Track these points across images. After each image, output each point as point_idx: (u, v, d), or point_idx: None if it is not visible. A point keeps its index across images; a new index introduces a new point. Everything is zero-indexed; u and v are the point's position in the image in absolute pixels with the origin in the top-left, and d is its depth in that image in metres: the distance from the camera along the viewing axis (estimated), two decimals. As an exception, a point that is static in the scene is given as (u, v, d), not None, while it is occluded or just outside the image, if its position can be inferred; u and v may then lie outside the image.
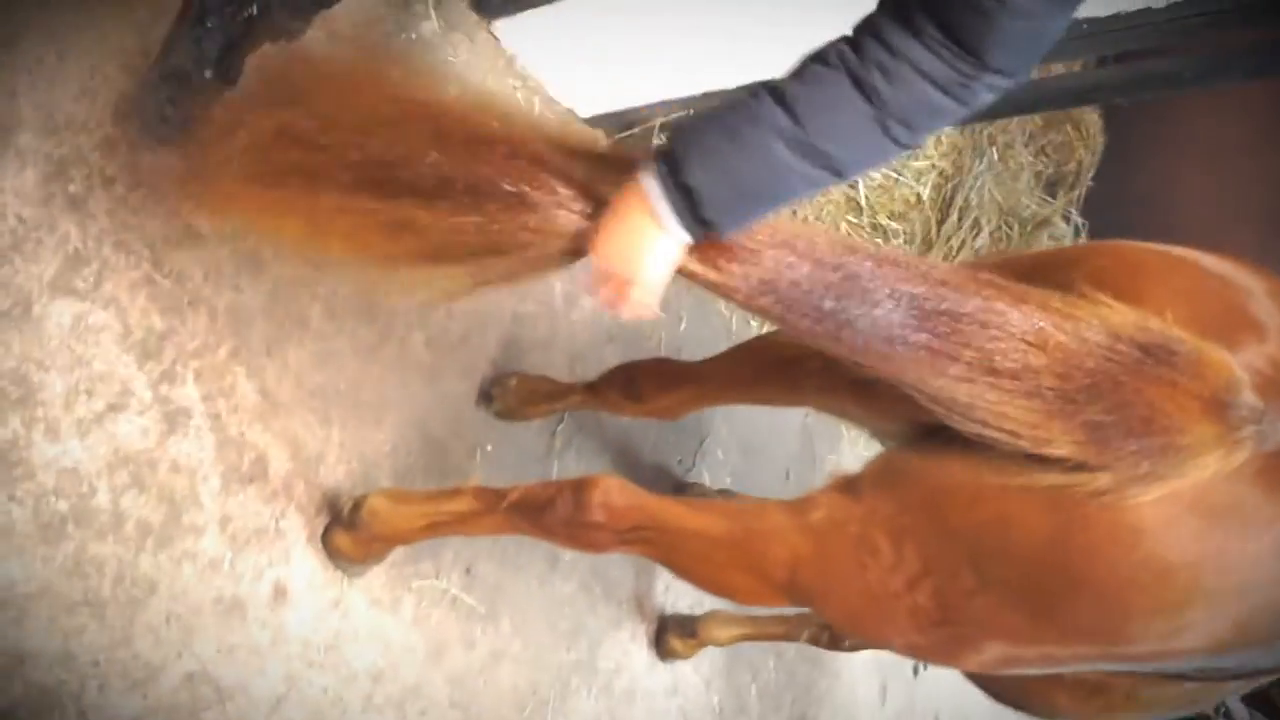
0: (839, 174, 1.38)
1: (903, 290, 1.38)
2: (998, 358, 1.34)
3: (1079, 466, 1.36)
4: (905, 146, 1.36)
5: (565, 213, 1.46)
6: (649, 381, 2.24)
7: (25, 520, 1.73)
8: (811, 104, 1.32)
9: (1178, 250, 1.61)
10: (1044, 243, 4.20)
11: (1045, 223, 4.23)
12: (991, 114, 2.81)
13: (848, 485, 1.70)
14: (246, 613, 2.03)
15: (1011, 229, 4.12)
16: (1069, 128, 4.60)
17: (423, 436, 2.39)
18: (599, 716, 2.83)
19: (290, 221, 1.59)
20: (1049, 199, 4.38)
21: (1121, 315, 1.38)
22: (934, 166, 3.87)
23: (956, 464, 1.50)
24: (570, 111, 2.86)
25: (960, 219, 3.93)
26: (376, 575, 2.25)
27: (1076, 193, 4.52)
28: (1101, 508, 1.37)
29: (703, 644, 3.00)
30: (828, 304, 1.38)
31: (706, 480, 3.21)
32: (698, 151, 1.35)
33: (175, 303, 1.94)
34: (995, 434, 1.38)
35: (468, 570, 2.46)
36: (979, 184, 3.92)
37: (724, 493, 3.12)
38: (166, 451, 1.92)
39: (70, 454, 1.79)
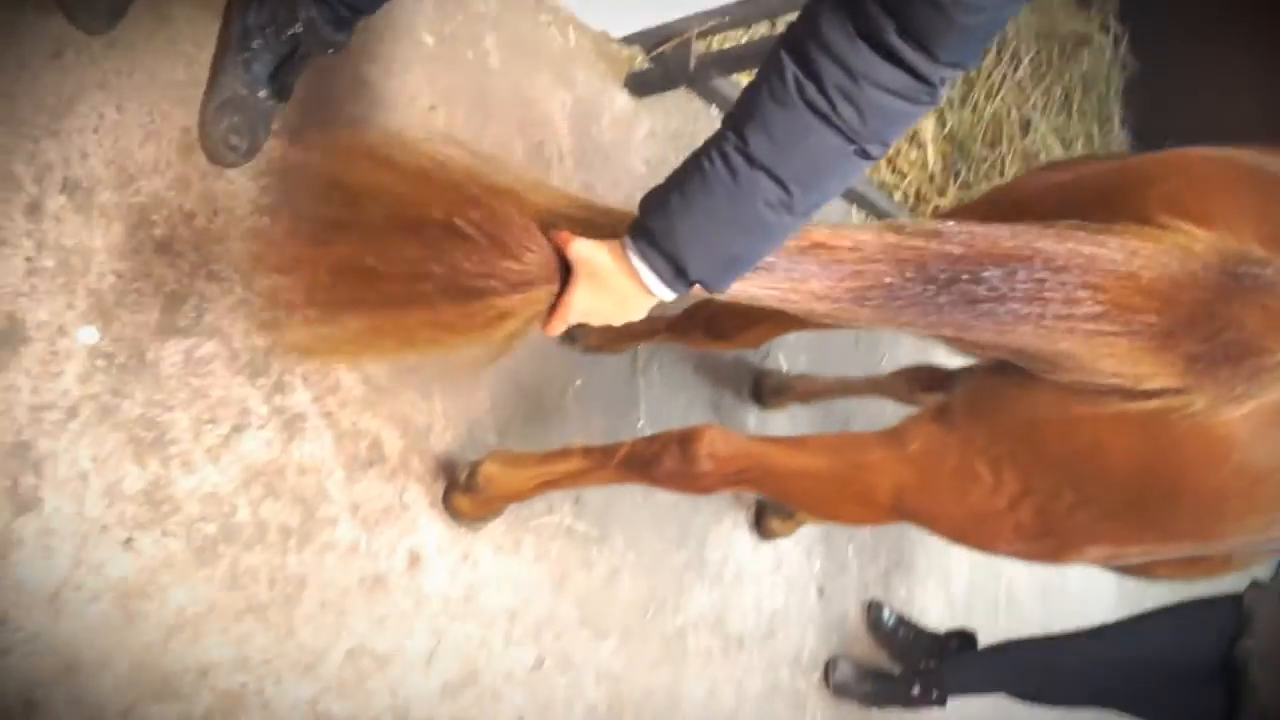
0: (819, 206, 1.33)
1: (992, 264, 1.41)
2: (1097, 306, 1.38)
3: (1173, 393, 1.43)
4: (881, 155, 1.32)
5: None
6: (729, 319, 2.31)
7: (181, 550, 1.87)
8: (790, 162, 1.25)
9: (1245, 158, 1.60)
10: (1085, 60, 4.14)
11: (1084, 39, 4.17)
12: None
13: (940, 414, 1.77)
14: (388, 584, 2.18)
15: (1051, 52, 4.07)
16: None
17: (517, 387, 2.50)
18: (714, 604, 3.00)
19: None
20: (1085, 12, 4.30)
21: (1204, 243, 1.40)
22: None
23: (1048, 394, 1.56)
24: (604, 34, 2.87)
25: (999, 53, 3.89)
26: (496, 525, 2.39)
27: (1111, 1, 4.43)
28: (1193, 425, 1.44)
29: (800, 521, 3.14)
30: (916, 296, 1.42)
31: (782, 364, 3.31)
32: (684, 233, 1.31)
33: (272, 318, 2.03)
34: (1097, 379, 1.44)
35: (577, 500, 2.60)
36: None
37: (802, 377, 3.21)
38: (291, 457, 2.04)
39: (208, 480, 1.92)
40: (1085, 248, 1.41)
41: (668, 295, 1.36)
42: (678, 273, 1.33)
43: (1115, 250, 1.40)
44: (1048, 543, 1.70)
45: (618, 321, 1.43)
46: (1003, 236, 1.42)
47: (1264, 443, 1.45)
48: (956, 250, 1.42)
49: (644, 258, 1.33)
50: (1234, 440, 1.44)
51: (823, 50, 1.20)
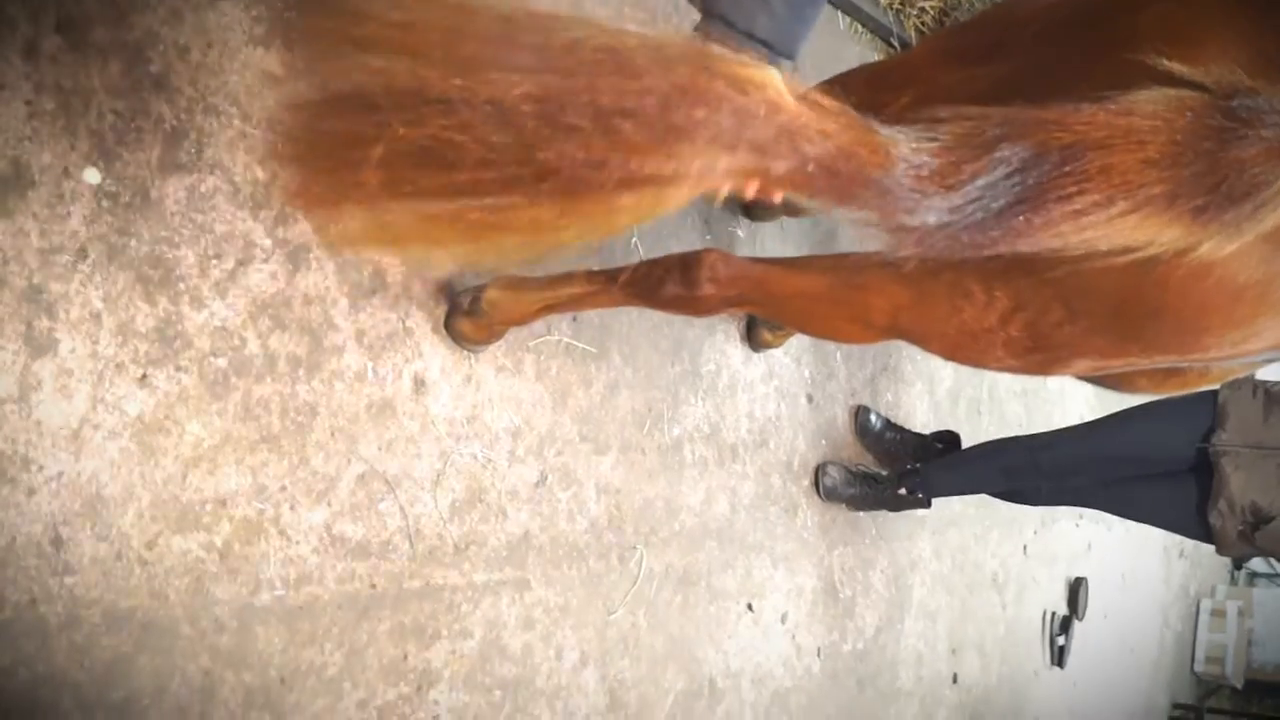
0: None
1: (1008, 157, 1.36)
2: (1107, 189, 1.35)
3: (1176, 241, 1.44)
4: None
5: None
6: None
7: (195, 384, 1.90)
8: None
9: None
10: None
11: None
12: None
13: None
14: (395, 409, 2.23)
15: None
16: None
17: (513, 210, 2.50)
18: (708, 414, 3.07)
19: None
20: None
21: (1197, 86, 1.38)
22: None
23: None
24: None
25: None
26: (497, 346, 2.42)
27: None
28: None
29: (790, 332, 3.18)
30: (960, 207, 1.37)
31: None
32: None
33: (270, 149, 2.02)
34: (1103, 248, 1.45)
35: (574, 319, 2.63)
36: None
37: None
38: (296, 288, 2.06)
39: (217, 315, 1.94)
40: (1089, 128, 1.37)
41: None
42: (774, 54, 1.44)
43: (1116, 126, 1.37)
44: (1036, 357, 1.75)
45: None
46: (1001, 124, 1.38)
47: (1243, 259, 1.47)
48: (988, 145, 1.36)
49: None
50: (1214, 257, 1.46)
51: None
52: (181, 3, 1.89)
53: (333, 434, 2.11)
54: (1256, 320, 1.56)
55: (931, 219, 1.37)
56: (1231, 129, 1.38)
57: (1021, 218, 1.36)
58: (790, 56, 1.45)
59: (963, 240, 1.38)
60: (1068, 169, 1.34)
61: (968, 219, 1.36)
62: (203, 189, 1.92)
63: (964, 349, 1.85)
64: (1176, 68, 1.41)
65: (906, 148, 1.35)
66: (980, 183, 1.35)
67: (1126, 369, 1.92)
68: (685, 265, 1.99)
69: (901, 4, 3.99)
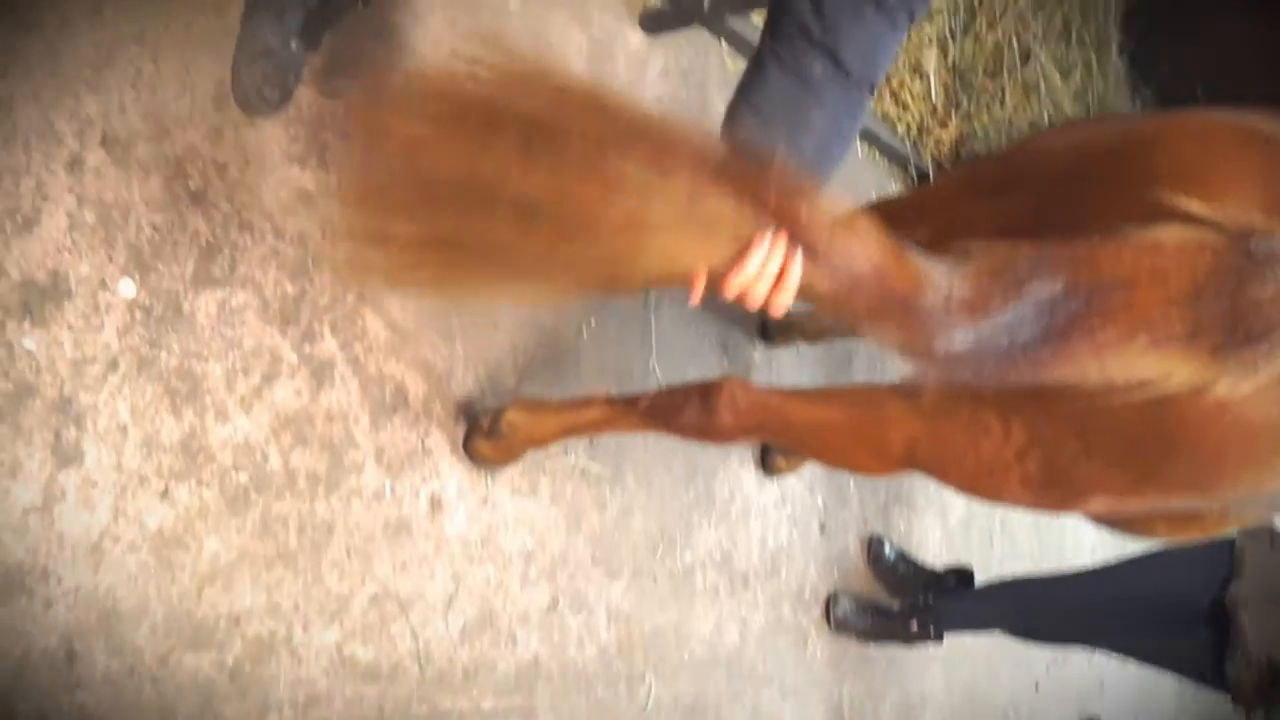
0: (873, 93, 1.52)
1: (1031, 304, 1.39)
2: (1127, 325, 1.38)
3: (1194, 378, 1.45)
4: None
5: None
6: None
7: (215, 499, 1.90)
8: (877, 63, 1.45)
9: (1254, 122, 1.59)
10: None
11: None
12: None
13: None
14: (411, 529, 2.22)
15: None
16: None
17: (535, 328, 2.52)
18: (720, 540, 3.05)
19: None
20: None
21: (1214, 227, 1.40)
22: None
23: None
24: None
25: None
26: (513, 467, 2.42)
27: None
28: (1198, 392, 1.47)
29: (804, 458, 3.18)
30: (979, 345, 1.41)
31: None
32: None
33: (301, 265, 2.05)
34: (1121, 384, 1.47)
35: (590, 442, 2.63)
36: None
37: (809, 315, 3.23)
38: (319, 404, 2.07)
39: (240, 430, 1.95)
40: (1114, 264, 1.40)
41: None
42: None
43: (1140, 263, 1.40)
44: (1052, 494, 1.74)
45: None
46: (1030, 258, 1.41)
47: (1262, 398, 1.47)
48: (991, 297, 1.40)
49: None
50: (1229, 398, 1.47)
51: None
52: (222, 120, 1.94)
53: (348, 553, 2.10)
54: (1274, 459, 1.56)
55: (957, 346, 1.39)
56: (1249, 269, 1.40)
57: (1045, 348, 1.38)
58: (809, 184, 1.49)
59: (986, 369, 1.40)
60: (1092, 304, 1.36)
61: (993, 348, 1.38)
62: (233, 303, 1.94)
63: (981, 483, 1.84)
64: (1194, 206, 1.43)
65: (938, 274, 1.38)
66: (1008, 314, 1.38)
67: (1144, 510, 1.91)
68: (704, 394, 2.00)
69: (919, 132, 4.07)
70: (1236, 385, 1.45)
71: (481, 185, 1.41)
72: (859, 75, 1.40)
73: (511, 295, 1.53)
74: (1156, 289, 1.39)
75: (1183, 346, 1.40)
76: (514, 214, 1.40)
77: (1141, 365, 1.42)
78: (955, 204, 1.98)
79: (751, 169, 1.40)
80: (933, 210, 2.01)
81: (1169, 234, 1.43)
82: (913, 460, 1.88)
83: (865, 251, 1.39)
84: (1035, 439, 1.69)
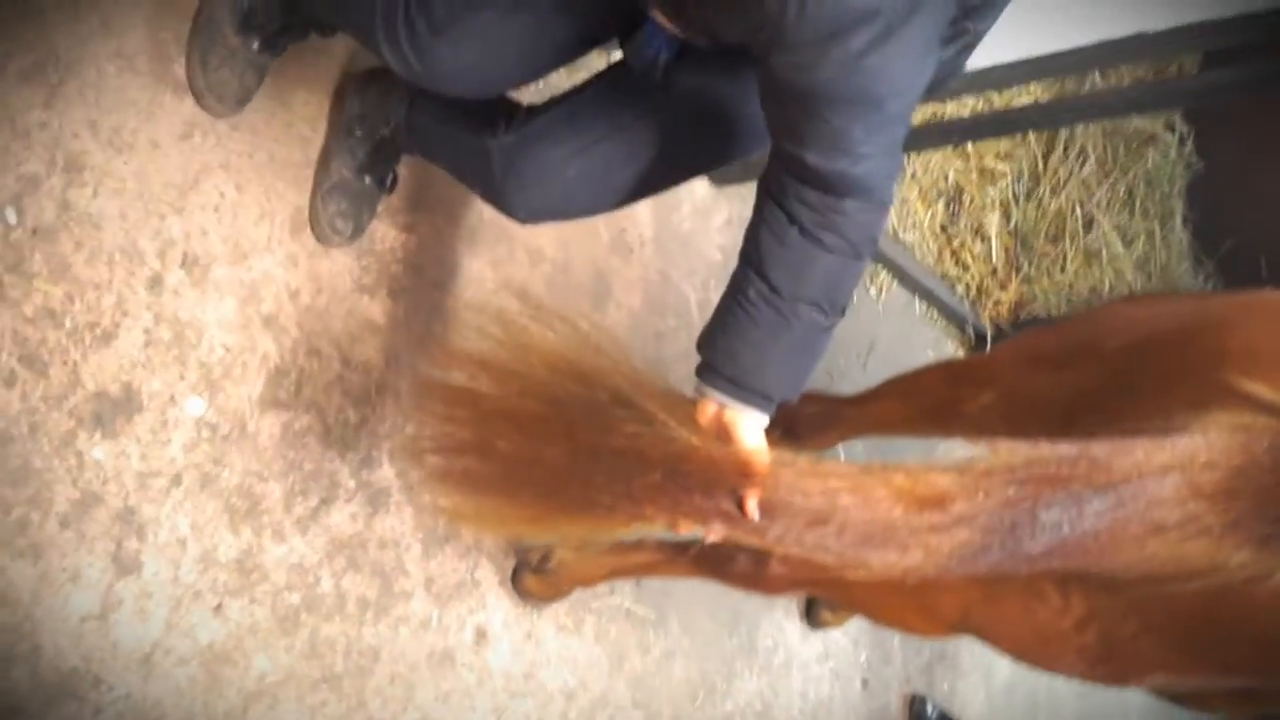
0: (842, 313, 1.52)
1: (1055, 503, 1.36)
2: (1161, 516, 1.35)
3: (1248, 566, 1.43)
4: (872, 253, 1.51)
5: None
6: (806, 426, 2.35)
7: (266, 618, 1.92)
8: (811, 286, 1.46)
9: None
10: (1149, 158, 4.20)
11: (1150, 138, 4.23)
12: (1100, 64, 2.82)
13: None
14: (455, 659, 2.22)
15: (1117, 149, 4.14)
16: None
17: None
18: (762, 692, 3.02)
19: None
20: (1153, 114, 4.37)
21: (1267, 415, 1.38)
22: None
23: None
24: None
25: (1065, 150, 3.95)
26: (559, 605, 2.43)
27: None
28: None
29: (850, 612, 3.16)
30: (999, 554, 1.38)
31: (840, 453, 3.34)
32: (769, 369, 1.49)
33: (365, 393, 2.10)
34: (1170, 573, 1.46)
35: (637, 583, 2.63)
36: (1083, 112, 3.93)
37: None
38: (374, 531, 2.10)
39: (295, 551, 1.97)
40: (1145, 457, 1.36)
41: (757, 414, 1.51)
42: (766, 400, 1.50)
43: (1173, 454, 1.36)
44: (1108, 668, 1.71)
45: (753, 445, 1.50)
46: (1070, 462, 1.41)
47: None
48: (1030, 491, 1.36)
49: (740, 400, 1.49)
50: None
51: (787, 197, 1.43)
52: (299, 249, 2.01)
53: (392, 680, 2.10)
54: None
55: (969, 550, 1.38)
56: None
57: (1069, 547, 1.37)
58: (789, 399, 1.52)
59: (1007, 564, 1.39)
60: (1129, 500, 1.34)
61: (1012, 548, 1.37)
62: (297, 426, 1.99)
63: (1036, 651, 1.81)
64: (1257, 388, 1.41)
65: (943, 483, 1.37)
66: (1041, 518, 1.37)
67: (1201, 689, 1.87)
68: (756, 545, 2.00)
69: (978, 294, 4.11)
70: None
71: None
72: (791, 295, 1.45)
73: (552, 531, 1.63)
74: (1193, 486, 1.35)
75: (1222, 538, 1.36)
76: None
77: (1184, 557, 1.40)
78: (1014, 375, 1.99)
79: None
80: (991, 380, 2.02)
81: (1220, 423, 1.40)
82: (965, 624, 1.86)
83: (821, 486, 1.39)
84: (1094, 612, 1.65)
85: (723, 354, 1.50)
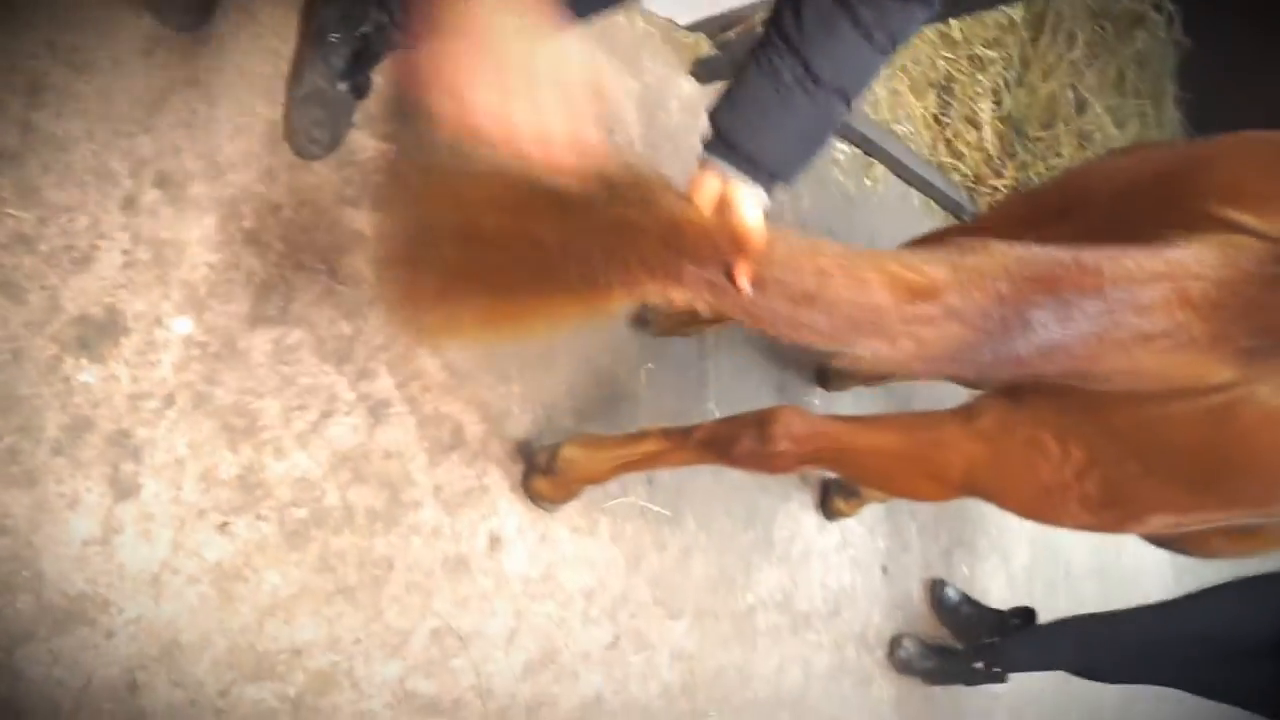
0: (850, 104, 1.51)
1: (1045, 303, 1.36)
2: (1150, 324, 1.36)
3: (1232, 385, 1.42)
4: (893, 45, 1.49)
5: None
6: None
7: (274, 534, 1.91)
8: (846, 75, 1.45)
9: None
10: (1139, 40, 4.14)
11: (1139, 19, 4.16)
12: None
13: (1009, 392, 1.78)
14: (470, 565, 2.22)
15: (1105, 30, 4.07)
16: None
17: (592, 370, 2.53)
18: (781, 582, 3.02)
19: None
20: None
21: (1251, 235, 1.40)
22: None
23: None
24: (670, 22, 2.89)
25: (1054, 33, 3.88)
26: (572, 506, 2.42)
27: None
28: (1256, 404, 1.45)
29: (864, 501, 3.16)
30: (989, 353, 1.37)
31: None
32: (777, 149, 1.47)
33: (356, 305, 2.07)
34: (1149, 387, 1.45)
35: (650, 481, 2.63)
36: (1068, -7, 3.87)
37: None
38: (376, 442, 2.08)
39: (298, 466, 1.96)
40: (1136, 264, 1.38)
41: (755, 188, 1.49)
42: (771, 179, 1.49)
43: (1162, 264, 1.38)
44: (1112, 513, 1.71)
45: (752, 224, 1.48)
46: (1062, 264, 1.40)
47: None
48: (1022, 289, 1.37)
49: (750, 176, 1.47)
50: None
51: None
52: (277, 163, 1.98)
53: (408, 588, 2.10)
54: None
55: (952, 347, 1.38)
56: None
57: (1056, 348, 1.36)
58: (789, 183, 1.51)
59: (992, 368, 1.38)
60: (1109, 305, 1.34)
61: (997, 348, 1.36)
62: (288, 341, 1.97)
63: (1040, 506, 1.82)
64: (1243, 217, 1.43)
65: (933, 274, 1.36)
66: (1031, 318, 1.36)
67: (1203, 526, 1.87)
68: (760, 422, 1.99)
69: (975, 182, 4.07)
70: (1277, 390, 1.43)
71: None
72: (828, 82, 1.43)
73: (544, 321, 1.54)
74: (1179, 293, 1.37)
75: (1207, 348, 1.38)
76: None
77: (1163, 366, 1.40)
78: (1013, 231, 1.96)
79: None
80: (992, 236, 1.99)
81: (1208, 240, 1.42)
82: (971, 484, 1.86)
83: (813, 264, 1.37)
84: (1094, 459, 1.67)
85: (743, 130, 1.47)
